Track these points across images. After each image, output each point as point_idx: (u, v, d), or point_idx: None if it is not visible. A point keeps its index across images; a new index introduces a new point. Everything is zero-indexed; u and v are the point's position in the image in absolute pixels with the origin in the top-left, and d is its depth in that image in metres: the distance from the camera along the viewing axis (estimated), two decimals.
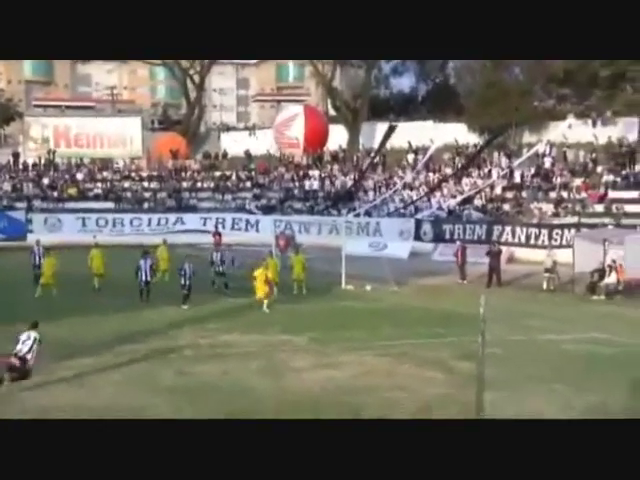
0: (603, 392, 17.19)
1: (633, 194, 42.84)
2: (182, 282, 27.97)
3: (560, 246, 38.06)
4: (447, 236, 44.77)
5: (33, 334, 17.58)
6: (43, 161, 61.37)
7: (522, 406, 16.15)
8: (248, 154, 61.85)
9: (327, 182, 55.52)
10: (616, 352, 21.21)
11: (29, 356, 17.26)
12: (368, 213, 49.76)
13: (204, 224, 50.67)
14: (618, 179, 44.78)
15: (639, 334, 23.48)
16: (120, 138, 63.15)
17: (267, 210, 52.71)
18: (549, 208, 43.77)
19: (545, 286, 31.97)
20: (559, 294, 31.02)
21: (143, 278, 29.02)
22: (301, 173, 57.41)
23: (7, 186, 57.05)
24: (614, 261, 30.82)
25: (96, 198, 56.52)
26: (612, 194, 43.56)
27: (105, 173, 59.98)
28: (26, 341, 17.44)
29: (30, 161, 61.14)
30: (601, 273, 30.70)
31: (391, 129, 55.97)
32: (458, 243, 37.98)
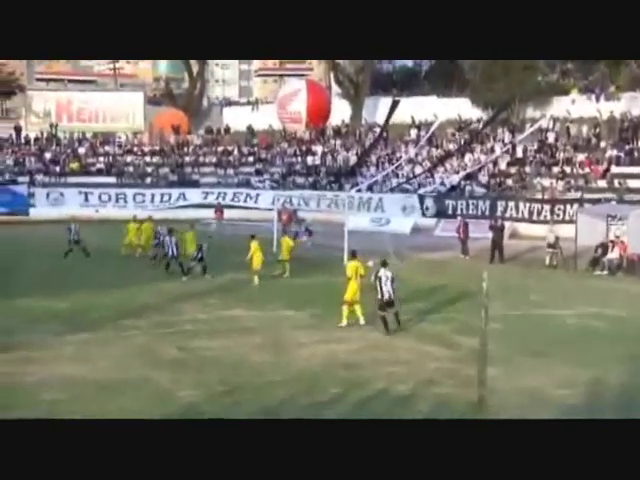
0: (604, 367, 17.14)
1: (636, 169, 42.63)
2: (166, 252, 29.21)
3: (563, 221, 38.00)
4: (450, 211, 44.68)
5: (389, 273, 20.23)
6: (45, 135, 61.15)
7: (522, 381, 16.11)
8: (250, 129, 61.59)
9: (329, 157, 55.29)
10: (617, 327, 21.14)
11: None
12: (371, 188, 49.60)
13: (205, 198, 50.58)
14: (621, 154, 44.55)
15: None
16: (122, 113, 62.85)
17: (269, 185, 52.57)
18: (560, 184, 43.51)
19: (548, 261, 31.84)
20: (561, 269, 30.91)
21: (171, 253, 29.25)
22: (304, 148, 57.17)
23: (9, 160, 56.88)
24: (617, 236, 30.69)
25: (99, 173, 56.41)
26: (615, 169, 43.36)
27: (107, 147, 59.79)
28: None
29: (32, 135, 60.89)
30: (604, 248, 30.56)
31: (395, 104, 55.67)
32: (460, 218, 37.87)
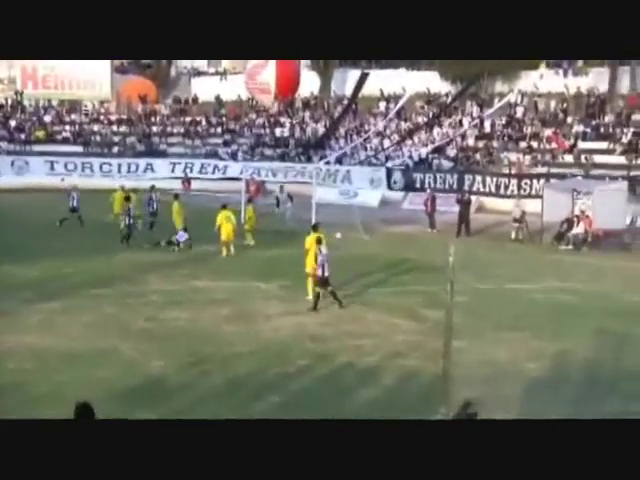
0: (568, 340, 17.43)
1: (602, 145, 43.01)
2: (126, 222, 29.56)
3: (529, 196, 38.29)
4: (418, 185, 44.82)
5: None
6: (10, 103, 60.31)
7: (488, 354, 16.34)
8: (219, 100, 61.19)
9: (298, 129, 55.14)
10: (581, 301, 21.47)
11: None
12: (339, 161, 49.55)
13: (172, 170, 50.22)
14: (588, 130, 44.88)
15: (604, 283, 23.77)
16: (89, 81, 62.02)
17: (236, 156, 52.36)
18: (527, 159, 43.80)
19: (513, 236, 32.14)
20: (528, 244, 31.21)
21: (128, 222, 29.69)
22: (272, 120, 56.96)
23: None
24: (582, 211, 31.02)
25: (65, 141, 55.76)
26: (581, 145, 43.69)
27: (73, 116, 59.12)
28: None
29: None
30: (569, 223, 30.89)
31: (363, 76, 55.52)
32: (428, 192, 38.06)
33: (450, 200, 36.90)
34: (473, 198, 37.41)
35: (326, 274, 20.00)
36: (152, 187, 34.59)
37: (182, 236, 28.71)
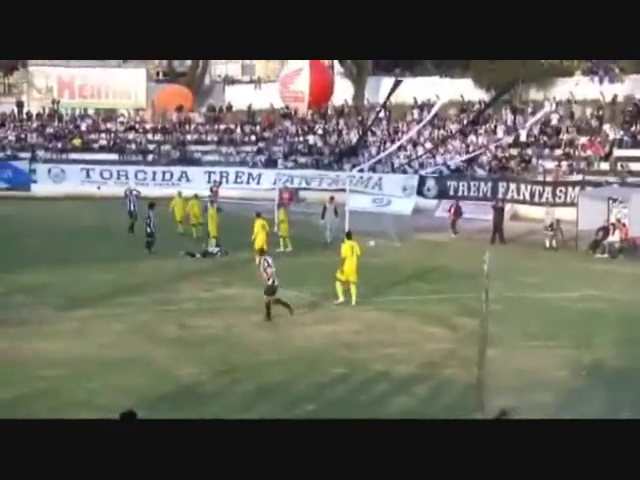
0: (602, 349, 17.16)
1: (638, 152, 42.44)
2: (147, 230, 29.04)
3: (564, 204, 37.86)
4: (451, 192, 44.53)
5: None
6: (47, 111, 60.89)
7: (521, 363, 16.13)
8: (250, 109, 61.27)
9: (331, 137, 55.10)
10: (617, 310, 21.14)
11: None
12: (372, 169, 49.45)
13: (208, 180, 49.90)
14: (624, 137, 44.36)
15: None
16: (124, 89, 62.57)
17: (270, 164, 52.42)
18: (563, 165, 43.37)
19: (548, 244, 31.79)
20: (562, 252, 30.85)
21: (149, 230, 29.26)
22: (306, 127, 56.96)
23: (11, 136, 56.68)
24: (618, 219, 30.62)
25: (100, 149, 56.17)
26: (618, 152, 43.18)
27: (109, 124, 59.56)
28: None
29: (34, 111, 60.64)
30: (605, 231, 30.49)
31: (396, 84, 55.34)
32: (453, 201, 38.02)
33: (484, 208, 36.75)
34: (507, 206, 37.17)
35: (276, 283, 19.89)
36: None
37: (214, 249, 28.91)
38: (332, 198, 33.37)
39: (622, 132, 44.67)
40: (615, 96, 48.38)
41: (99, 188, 49.83)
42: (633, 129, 44.80)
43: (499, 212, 33.81)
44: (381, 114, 55.38)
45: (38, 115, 60.25)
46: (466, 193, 43.44)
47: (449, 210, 36.62)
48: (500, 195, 41.43)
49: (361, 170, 48.24)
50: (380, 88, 60.49)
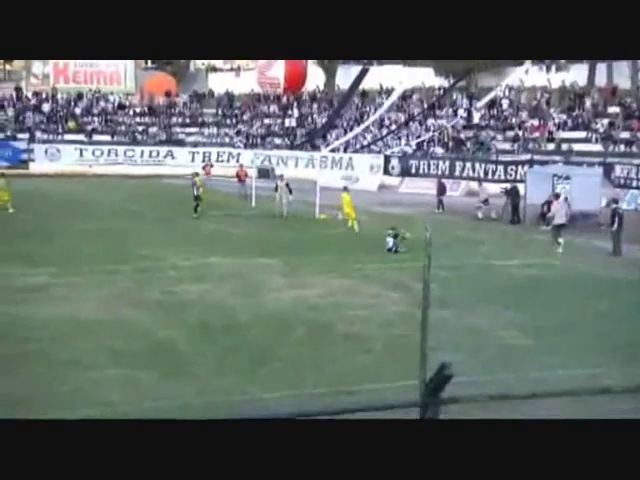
0: (545, 312, 17.27)
1: (580, 134, 42.86)
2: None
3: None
4: (413, 171, 44.82)
5: None
6: (44, 96, 60.24)
7: (465, 322, 16.18)
8: (229, 94, 61.02)
9: (305, 120, 55.01)
10: (559, 276, 21.31)
11: None
12: (344, 149, 49.53)
13: (192, 160, 49.82)
14: (568, 120, 44.66)
15: (580, 260, 23.60)
16: (115, 76, 62.25)
17: (249, 145, 52.28)
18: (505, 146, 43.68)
19: (480, 215, 32.32)
20: (509, 224, 31.03)
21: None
22: (282, 111, 56.83)
23: (10, 112, 56.18)
24: (557, 195, 30.70)
25: (93, 131, 55.77)
26: (562, 134, 43.48)
27: (102, 103, 59.05)
28: None
29: (32, 96, 59.99)
30: (549, 205, 30.56)
31: (363, 72, 55.30)
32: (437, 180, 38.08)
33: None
34: (462, 183, 37.30)
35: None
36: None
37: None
38: (281, 176, 33.70)
39: (566, 116, 44.97)
40: (563, 82, 48.66)
41: (91, 167, 49.61)
42: (576, 113, 45.09)
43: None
44: (349, 99, 55.36)
45: (35, 93, 59.53)
46: (426, 171, 43.62)
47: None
48: (457, 173, 41.89)
49: (332, 150, 48.20)
50: (349, 75, 60.31)
